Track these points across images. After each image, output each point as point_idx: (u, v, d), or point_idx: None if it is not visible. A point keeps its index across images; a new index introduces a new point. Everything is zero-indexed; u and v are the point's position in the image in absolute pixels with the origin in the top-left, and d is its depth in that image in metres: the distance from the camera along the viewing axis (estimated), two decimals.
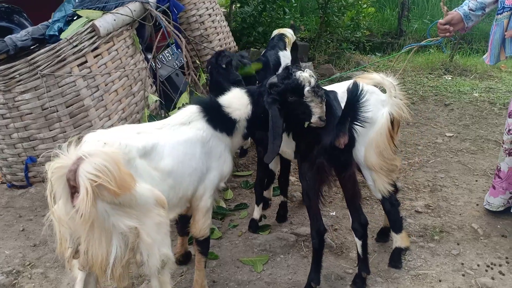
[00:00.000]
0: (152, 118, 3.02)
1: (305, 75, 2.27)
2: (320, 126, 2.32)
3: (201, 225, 2.42)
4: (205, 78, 3.21)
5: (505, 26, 2.96)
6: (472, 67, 6.90)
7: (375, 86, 2.73)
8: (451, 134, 4.82)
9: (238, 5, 7.06)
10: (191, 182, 2.29)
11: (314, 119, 2.31)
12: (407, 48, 3.45)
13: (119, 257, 1.81)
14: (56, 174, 1.67)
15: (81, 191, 1.62)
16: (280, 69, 2.44)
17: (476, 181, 3.87)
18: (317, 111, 2.29)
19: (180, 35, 3.24)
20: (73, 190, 1.67)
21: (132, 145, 2.01)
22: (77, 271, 2.01)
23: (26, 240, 3.14)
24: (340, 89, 2.64)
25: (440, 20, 3.12)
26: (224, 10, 7.83)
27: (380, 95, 2.70)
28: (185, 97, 3.10)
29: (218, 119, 2.38)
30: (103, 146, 1.90)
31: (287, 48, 4.21)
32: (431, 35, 3.34)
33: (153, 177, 2.07)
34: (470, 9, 3.05)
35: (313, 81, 2.28)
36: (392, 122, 2.61)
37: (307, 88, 2.26)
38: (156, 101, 3.09)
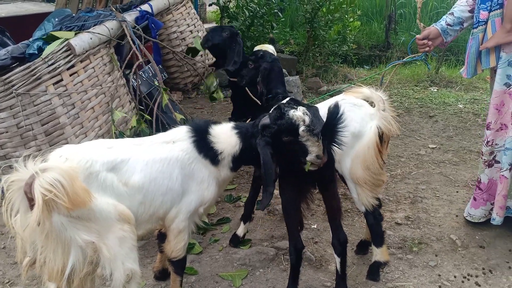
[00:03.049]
0: (121, 134, 3.04)
1: (299, 113, 2.18)
2: (319, 166, 2.25)
3: (173, 246, 2.37)
4: (167, 99, 3.23)
5: (480, 40, 3.01)
6: (458, 78, 6.96)
7: (364, 99, 2.71)
8: (434, 146, 4.85)
9: (228, 20, 7.15)
10: (163, 201, 2.25)
11: (310, 157, 2.23)
12: (391, 65, 3.50)
13: (77, 270, 1.85)
14: (13, 186, 1.74)
15: (35, 204, 1.68)
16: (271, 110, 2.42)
17: (457, 192, 3.89)
18: (314, 150, 2.21)
19: (150, 57, 3.31)
20: (32, 202, 1.73)
21: (96, 160, 2.02)
22: (49, 284, 2.03)
23: (6, 257, 3.13)
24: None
25: (418, 36, 3.17)
26: (215, 24, 7.94)
27: (368, 108, 2.69)
28: (134, 120, 3.13)
29: (203, 145, 2.32)
30: (64, 161, 1.94)
31: None
32: (412, 51, 3.39)
33: (120, 191, 2.07)
34: (448, 24, 3.11)
35: (307, 119, 2.18)
36: (381, 137, 2.58)
37: (302, 128, 2.17)
38: (124, 117, 3.12)
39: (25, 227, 1.75)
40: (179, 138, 2.33)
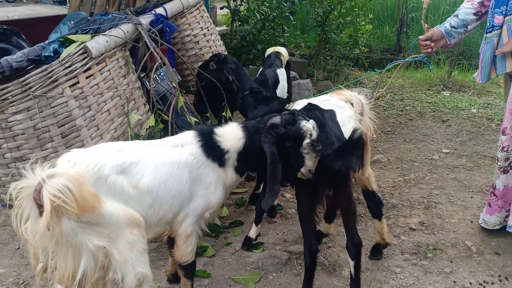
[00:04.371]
0: (137, 137, 3.05)
1: (309, 126, 2.24)
2: (306, 178, 2.32)
3: (182, 251, 2.38)
4: (183, 101, 3.27)
5: (495, 44, 2.98)
6: (471, 83, 6.91)
7: (346, 101, 2.81)
8: (448, 151, 4.81)
9: (239, 23, 7.16)
10: (173, 205, 2.26)
11: (304, 170, 2.29)
12: (392, 65, 3.49)
13: (88, 275, 1.85)
14: (22, 193, 1.74)
15: (44, 210, 1.69)
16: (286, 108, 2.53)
17: (472, 197, 3.86)
18: (310, 164, 2.26)
19: (165, 59, 3.34)
20: (42, 209, 1.73)
21: (105, 163, 2.03)
22: (59, 287, 2.04)
23: (21, 258, 3.16)
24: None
25: (420, 36, 3.16)
26: (226, 28, 7.95)
27: (348, 111, 2.76)
28: (151, 119, 3.14)
29: (210, 148, 2.34)
30: (73, 166, 1.95)
31: (283, 66, 4.27)
32: (415, 52, 3.37)
33: (130, 195, 2.07)
34: (452, 26, 3.08)
35: (314, 134, 2.24)
36: None
37: (307, 141, 2.23)
38: (139, 120, 3.14)
39: (35, 233, 1.75)
40: (187, 142, 2.35)
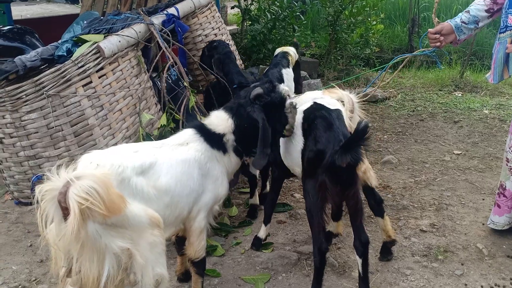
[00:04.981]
0: (148, 136, 3.08)
1: (286, 89, 2.61)
2: (288, 135, 2.65)
3: (196, 246, 2.43)
4: (194, 101, 3.29)
5: (508, 45, 2.95)
6: (483, 83, 6.83)
7: (338, 100, 2.95)
8: (459, 152, 4.77)
9: (249, 22, 7.16)
10: (188, 202, 2.31)
11: (288, 127, 2.61)
12: (400, 58, 3.47)
13: (111, 277, 1.82)
14: (46, 196, 1.71)
15: (71, 213, 1.66)
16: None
17: (483, 199, 3.82)
18: (292, 121, 2.61)
19: (177, 59, 3.36)
20: (66, 212, 1.70)
21: (127, 165, 2.03)
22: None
23: (33, 255, 3.19)
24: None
25: (430, 30, 3.12)
26: (237, 27, 7.96)
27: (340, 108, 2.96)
28: (163, 118, 3.16)
29: (210, 138, 2.46)
30: (96, 167, 1.94)
31: (289, 66, 4.25)
32: (423, 46, 3.34)
33: (149, 195, 2.09)
34: (463, 22, 3.05)
35: (290, 93, 2.65)
36: None
37: (288, 101, 2.59)
38: (150, 119, 3.16)
39: (60, 237, 1.72)
40: (190, 139, 2.43)
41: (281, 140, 2.83)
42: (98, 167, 1.95)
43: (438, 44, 3.09)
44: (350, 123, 2.80)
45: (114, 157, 2.05)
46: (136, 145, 2.34)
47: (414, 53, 3.46)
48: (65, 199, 1.67)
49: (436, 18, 3.19)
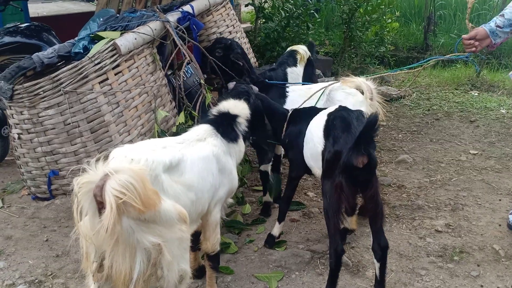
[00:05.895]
0: (163, 133, 3.09)
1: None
2: None
3: (212, 240, 2.47)
4: (210, 98, 3.30)
5: None
6: (500, 82, 6.74)
7: (356, 88, 3.13)
8: (476, 152, 4.71)
9: (263, 20, 7.14)
10: (208, 198, 2.35)
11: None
12: (434, 60, 3.46)
13: (142, 272, 1.82)
14: (83, 189, 1.69)
15: (107, 208, 1.63)
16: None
17: (500, 200, 3.77)
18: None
19: (192, 56, 3.37)
20: (100, 205, 1.69)
21: (159, 161, 2.03)
22: (90, 282, 2.02)
23: (49, 250, 3.23)
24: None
25: (464, 36, 3.10)
26: (250, 25, 7.95)
27: (359, 97, 3.10)
28: (182, 116, 3.17)
29: (225, 130, 2.54)
30: (130, 162, 1.92)
31: (297, 65, 4.20)
32: (458, 50, 3.32)
33: (176, 191, 2.10)
34: (498, 26, 3.01)
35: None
36: None
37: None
38: (165, 116, 3.17)
39: (95, 231, 1.70)
40: (207, 134, 2.48)
41: (305, 141, 2.85)
42: (132, 162, 1.92)
43: (473, 49, 3.07)
44: (371, 111, 2.90)
45: (147, 152, 2.04)
46: (161, 140, 2.35)
47: (448, 56, 3.45)
48: (101, 192, 1.65)
49: (470, 24, 3.16)
